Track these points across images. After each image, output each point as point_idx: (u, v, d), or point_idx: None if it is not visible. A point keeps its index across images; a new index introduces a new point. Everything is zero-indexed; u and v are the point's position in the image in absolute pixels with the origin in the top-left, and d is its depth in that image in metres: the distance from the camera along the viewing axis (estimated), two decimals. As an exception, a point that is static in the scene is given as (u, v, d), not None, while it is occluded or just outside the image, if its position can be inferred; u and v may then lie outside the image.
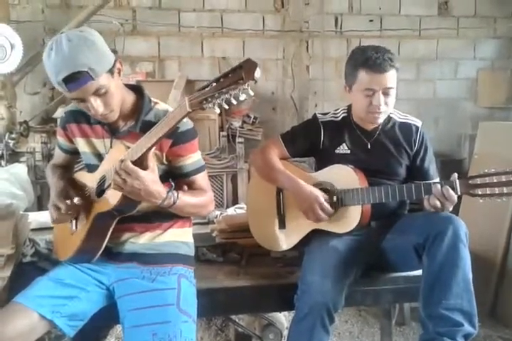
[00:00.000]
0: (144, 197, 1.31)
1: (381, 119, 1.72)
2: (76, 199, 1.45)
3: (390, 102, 1.69)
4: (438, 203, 1.51)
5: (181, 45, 4.14)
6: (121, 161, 1.27)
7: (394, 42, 4.30)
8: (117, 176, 1.27)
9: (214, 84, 1.12)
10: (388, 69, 1.63)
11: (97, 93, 1.33)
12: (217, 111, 1.15)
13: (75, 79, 1.28)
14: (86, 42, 1.30)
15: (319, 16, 4.28)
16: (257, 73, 1.07)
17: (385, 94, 1.66)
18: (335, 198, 1.67)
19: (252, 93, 1.12)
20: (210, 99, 1.13)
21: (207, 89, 1.13)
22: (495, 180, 1.44)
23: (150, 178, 1.28)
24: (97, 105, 1.35)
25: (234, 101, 1.12)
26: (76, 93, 1.32)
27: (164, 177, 1.42)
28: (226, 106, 1.13)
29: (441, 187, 1.51)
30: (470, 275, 1.47)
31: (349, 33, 4.34)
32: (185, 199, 1.41)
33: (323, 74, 4.34)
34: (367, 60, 1.63)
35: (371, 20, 4.38)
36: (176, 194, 1.37)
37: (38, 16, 3.92)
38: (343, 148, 1.76)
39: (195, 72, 4.08)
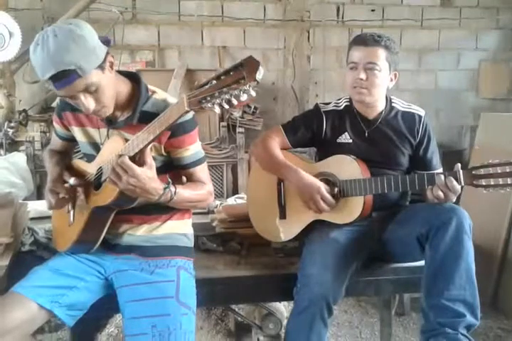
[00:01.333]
0: (140, 194, 1.28)
1: (366, 97, 1.69)
2: (72, 180, 1.43)
3: (375, 81, 1.67)
4: (441, 194, 1.50)
5: (181, 34, 4.10)
6: (119, 157, 1.24)
7: (396, 32, 4.27)
8: (113, 172, 1.24)
9: (214, 81, 1.07)
10: (371, 43, 1.65)
11: (86, 90, 1.27)
12: (217, 111, 1.10)
13: (61, 77, 1.21)
14: (73, 37, 1.22)
15: (321, 6, 4.24)
16: (259, 74, 1.03)
17: (368, 69, 1.66)
18: (336, 190, 1.65)
19: (254, 94, 1.06)
20: (209, 99, 1.07)
21: (206, 86, 1.08)
22: (499, 171, 1.42)
23: (146, 175, 1.24)
24: (87, 102, 1.29)
25: (235, 102, 1.06)
26: (64, 91, 1.26)
27: (163, 169, 1.40)
28: (226, 106, 1.08)
29: (445, 177, 1.49)
30: (473, 267, 1.45)
31: (351, 22, 4.30)
32: (183, 193, 1.37)
33: (324, 65, 4.31)
34: (355, 37, 1.73)
35: (373, 10, 4.34)
36: (173, 189, 1.34)
37: (36, 4, 3.88)
38: (345, 137, 1.75)
39: (195, 61, 4.05)
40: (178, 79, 3.74)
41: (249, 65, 1.04)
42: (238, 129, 3.66)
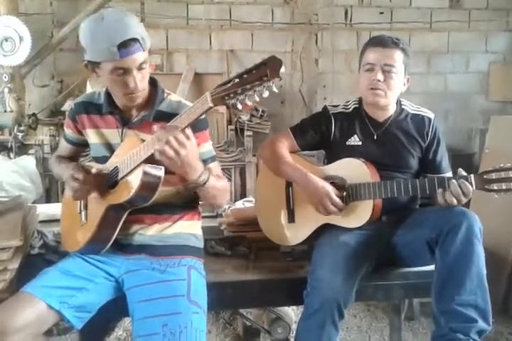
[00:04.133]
0: (186, 168, 1.27)
1: (381, 99, 1.69)
2: (93, 170, 1.47)
3: (391, 83, 1.67)
4: (454, 200, 1.48)
5: (189, 38, 4.12)
6: (169, 129, 1.23)
7: (404, 35, 4.26)
8: (167, 145, 1.21)
9: (237, 80, 1.12)
10: (390, 45, 1.65)
11: (140, 66, 1.37)
12: (240, 107, 1.14)
13: (128, 46, 1.31)
14: (133, 16, 1.37)
15: (329, 9, 4.24)
16: (282, 70, 1.09)
17: (385, 71, 1.65)
18: (345, 193, 1.64)
19: (276, 90, 1.11)
20: (232, 95, 1.12)
21: (229, 84, 1.13)
22: (511, 175, 1.41)
23: (194, 150, 1.27)
24: (138, 78, 1.37)
25: (257, 98, 1.12)
26: (124, 61, 1.33)
27: None
28: (249, 103, 1.13)
29: (457, 182, 1.47)
30: (484, 271, 1.44)
31: (359, 25, 4.30)
32: (213, 180, 1.38)
33: (332, 68, 4.30)
34: (372, 39, 1.73)
35: (381, 13, 4.33)
36: (207, 174, 1.35)
37: (46, 9, 3.92)
38: (355, 140, 1.74)
39: (203, 65, 4.07)
40: (186, 83, 3.75)
41: (272, 63, 1.09)
42: (246, 132, 3.66)
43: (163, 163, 1.26)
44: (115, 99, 1.49)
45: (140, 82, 1.38)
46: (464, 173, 1.51)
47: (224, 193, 1.49)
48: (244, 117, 3.83)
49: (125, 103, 1.46)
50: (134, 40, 1.32)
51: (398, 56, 1.66)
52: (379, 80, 1.65)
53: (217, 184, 1.42)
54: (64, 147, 1.70)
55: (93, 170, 1.47)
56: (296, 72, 4.28)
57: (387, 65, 1.65)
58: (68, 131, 1.63)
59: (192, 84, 3.77)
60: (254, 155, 3.58)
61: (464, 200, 1.50)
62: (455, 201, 1.48)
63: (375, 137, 1.74)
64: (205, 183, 1.35)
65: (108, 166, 1.48)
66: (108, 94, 1.51)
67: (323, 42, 4.30)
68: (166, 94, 1.52)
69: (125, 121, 1.49)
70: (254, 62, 1.13)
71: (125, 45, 1.31)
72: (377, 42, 1.68)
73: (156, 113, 1.46)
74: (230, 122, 3.77)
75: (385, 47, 1.65)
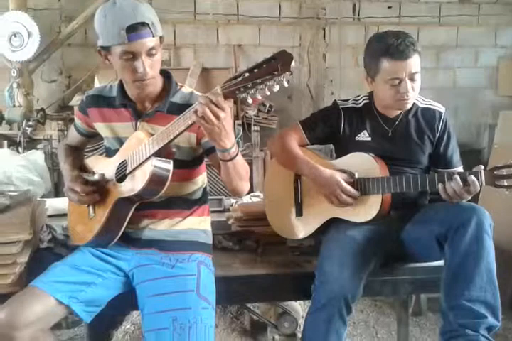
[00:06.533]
0: (221, 134, 1.24)
1: (410, 104, 1.69)
2: (96, 175, 1.47)
3: (416, 87, 1.65)
4: (454, 193, 1.47)
5: (197, 33, 4.11)
6: (206, 97, 1.20)
7: (413, 29, 4.21)
8: (209, 108, 1.19)
9: (247, 74, 1.12)
10: (412, 54, 1.60)
11: (149, 52, 1.36)
12: (250, 101, 1.15)
13: (137, 30, 1.32)
14: (146, 3, 1.38)
15: (336, 3, 4.21)
16: (293, 64, 1.09)
17: (411, 79, 1.63)
18: (356, 174, 1.63)
19: (286, 84, 1.12)
20: (243, 90, 1.13)
21: (239, 79, 1.13)
22: (522, 171, 1.39)
23: (231, 121, 1.27)
24: (146, 64, 1.36)
25: (267, 92, 1.13)
26: (133, 45, 1.32)
27: (198, 160, 1.52)
28: (259, 97, 1.14)
29: (467, 177, 1.46)
30: (494, 267, 1.43)
31: (367, 19, 4.27)
32: (240, 156, 1.37)
33: (339, 62, 4.28)
34: (388, 48, 1.59)
35: (390, 7, 4.30)
36: (237, 147, 1.33)
37: (54, 4, 3.93)
38: (364, 135, 1.73)
39: (211, 60, 4.06)
40: (193, 77, 3.75)
41: (282, 58, 1.10)
42: (253, 127, 3.65)
43: (203, 127, 1.23)
44: (127, 89, 1.48)
45: (150, 69, 1.37)
46: (475, 169, 1.49)
47: (247, 175, 1.44)
48: (252, 112, 3.82)
49: (136, 92, 1.44)
50: (144, 24, 1.32)
51: (418, 59, 1.63)
52: (409, 92, 1.62)
53: (243, 162, 1.40)
54: (73, 135, 1.71)
55: (96, 177, 1.48)
56: (304, 67, 4.26)
57: (413, 73, 1.61)
58: (78, 122, 1.64)
59: (199, 79, 3.77)
60: (261, 151, 3.57)
61: (466, 196, 1.49)
62: (456, 195, 1.47)
63: (390, 134, 1.72)
64: (236, 155, 1.33)
65: (115, 160, 1.47)
66: (121, 87, 1.50)
67: (330, 36, 4.27)
68: (179, 87, 1.52)
69: (139, 114, 1.48)
70: (261, 57, 1.13)
71: (134, 29, 1.31)
72: (397, 53, 1.57)
73: (170, 104, 1.45)
74: (236, 117, 3.77)
75: (407, 58, 1.58)
